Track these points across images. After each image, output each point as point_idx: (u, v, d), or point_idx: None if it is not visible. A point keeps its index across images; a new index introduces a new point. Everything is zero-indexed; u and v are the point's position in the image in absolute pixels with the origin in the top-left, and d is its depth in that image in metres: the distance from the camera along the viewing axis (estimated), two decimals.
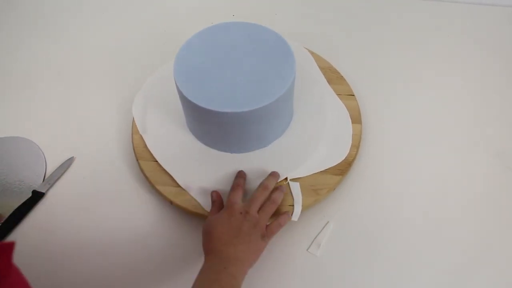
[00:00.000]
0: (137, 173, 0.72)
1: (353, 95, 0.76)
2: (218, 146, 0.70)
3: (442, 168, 0.71)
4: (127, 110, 0.77)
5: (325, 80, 0.78)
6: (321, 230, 0.66)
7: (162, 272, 0.64)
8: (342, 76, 0.79)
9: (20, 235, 0.67)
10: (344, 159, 0.69)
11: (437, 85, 0.81)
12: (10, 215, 0.68)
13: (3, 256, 0.37)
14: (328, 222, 0.66)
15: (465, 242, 0.64)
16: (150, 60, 0.85)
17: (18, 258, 0.65)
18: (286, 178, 0.67)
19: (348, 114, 0.74)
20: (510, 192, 0.69)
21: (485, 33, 0.88)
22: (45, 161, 0.74)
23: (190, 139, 0.72)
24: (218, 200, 0.64)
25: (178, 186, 0.67)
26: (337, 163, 0.68)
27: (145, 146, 0.71)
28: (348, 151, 0.69)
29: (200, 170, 0.68)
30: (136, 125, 0.73)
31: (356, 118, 0.73)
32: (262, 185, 0.63)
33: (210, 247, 0.57)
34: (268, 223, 0.61)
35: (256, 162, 0.69)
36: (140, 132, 0.72)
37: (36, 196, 0.70)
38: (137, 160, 0.70)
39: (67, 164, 0.74)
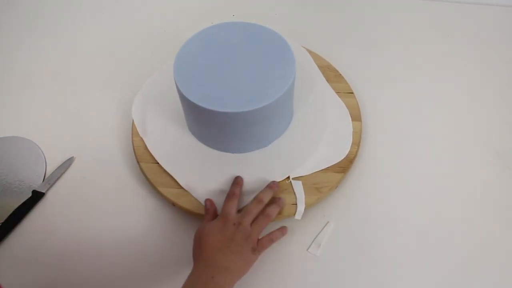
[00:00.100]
0: (137, 172, 0.72)
1: (352, 92, 0.77)
2: (219, 147, 0.70)
3: (441, 168, 0.71)
4: (127, 110, 0.77)
5: (324, 79, 0.78)
6: (321, 230, 0.66)
7: (163, 273, 0.63)
8: (340, 74, 0.79)
9: (20, 235, 0.67)
10: (345, 156, 0.69)
11: (437, 84, 0.81)
12: (10, 215, 0.68)
13: None
14: (328, 222, 0.66)
15: (465, 242, 0.64)
16: (150, 60, 0.85)
17: (18, 258, 0.66)
18: (288, 177, 0.67)
19: (348, 112, 0.74)
20: (510, 192, 0.69)
21: (485, 33, 0.88)
22: (45, 161, 0.74)
23: (191, 140, 0.72)
24: (212, 209, 0.64)
25: (180, 187, 0.67)
26: (338, 161, 0.68)
27: (146, 148, 0.71)
28: (349, 149, 0.70)
29: (202, 171, 0.68)
30: (136, 128, 0.73)
31: (356, 116, 0.73)
32: (257, 198, 0.63)
33: (201, 254, 0.57)
34: (260, 237, 0.61)
35: (257, 162, 0.69)
36: (141, 135, 0.72)
37: (36, 196, 0.70)
38: (138, 162, 0.70)
39: (67, 164, 0.74)
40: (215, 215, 0.63)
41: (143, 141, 0.72)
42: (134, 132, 0.73)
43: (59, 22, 0.95)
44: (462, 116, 0.77)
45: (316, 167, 0.68)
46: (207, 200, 0.65)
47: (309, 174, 0.67)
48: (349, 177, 0.70)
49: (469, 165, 0.71)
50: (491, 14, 0.91)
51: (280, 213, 0.64)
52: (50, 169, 0.74)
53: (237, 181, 0.66)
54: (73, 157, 0.75)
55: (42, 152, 0.75)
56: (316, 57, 0.81)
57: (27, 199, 0.70)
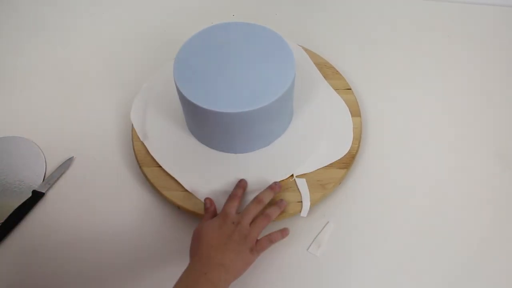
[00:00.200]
0: (137, 172, 0.72)
1: (350, 89, 0.77)
2: (220, 147, 0.70)
3: (441, 168, 0.71)
4: (127, 110, 0.77)
5: (321, 76, 0.78)
6: (321, 230, 0.66)
7: (163, 273, 0.63)
8: (337, 71, 0.79)
9: (20, 235, 0.67)
10: (347, 152, 0.69)
11: (437, 84, 0.81)
12: (10, 215, 0.68)
13: None
14: (328, 222, 0.66)
15: (465, 242, 0.64)
16: (150, 61, 0.85)
17: (18, 258, 0.65)
18: (292, 175, 0.67)
19: (347, 108, 0.74)
20: (510, 192, 0.69)
21: (485, 33, 0.88)
22: (45, 161, 0.74)
23: (192, 141, 0.72)
24: (212, 208, 0.64)
25: (184, 190, 0.67)
26: (341, 156, 0.69)
27: (147, 152, 0.71)
28: (350, 144, 0.70)
29: (205, 173, 0.68)
30: (136, 132, 0.73)
31: (355, 111, 0.74)
32: (257, 199, 0.63)
33: (197, 251, 0.57)
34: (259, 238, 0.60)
35: (260, 162, 0.69)
36: (141, 139, 0.72)
37: (36, 196, 0.70)
38: (140, 167, 0.70)
39: (67, 164, 0.74)
40: (214, 214, 0.63)
41: (144, 145, 0.71)
42: (134, 137, 0.73)
43: (59, 22, 0.95)
44: (462, 116, 0.77)
45: (319, 164, 0.68)
46: (206, 199, 0.65)
47: (312, 171, 0.68)
48: (350, 175, 0.70)
49: (468, 166, 0.71)
50: (491, 14, 0.91)
51: (282, 213, 0.64)
52: (50, 169, 0.74)
53: (240, 184, 0.66)
54: (73, 157, 0.74)
55: (42, 152, 0.75)
56: (312, 55, 0.81)
57: (27, 199, 0.69)
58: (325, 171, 0.68)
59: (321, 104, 0.75)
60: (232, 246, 0.57)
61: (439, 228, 0.66)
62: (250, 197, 0.65)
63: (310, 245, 0.65)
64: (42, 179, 0.72)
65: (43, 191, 0.71)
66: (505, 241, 0.64)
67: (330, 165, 0.68)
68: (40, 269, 0.64)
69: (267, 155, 0.70)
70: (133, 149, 0.72)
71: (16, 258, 0.66)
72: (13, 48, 0.91)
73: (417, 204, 0.68)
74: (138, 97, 0.77)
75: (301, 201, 0.65)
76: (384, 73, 0.83)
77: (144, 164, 0.70)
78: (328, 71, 0.79)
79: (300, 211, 0.65)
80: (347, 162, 0.69)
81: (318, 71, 0.79)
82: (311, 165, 0.68)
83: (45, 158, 0.75)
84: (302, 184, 0.67)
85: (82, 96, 0.82)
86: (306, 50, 0.82)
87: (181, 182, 0.67)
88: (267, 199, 0.63)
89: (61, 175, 0.73)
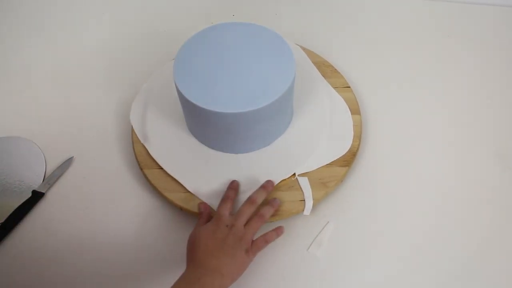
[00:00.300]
0: (137, 172, 0.72)
1: (349, 87, 0.77)
2: (221, 147, 0.70)
3: (441, 167, 0.71)
4: (127, 109, 0.77)
5: (320, 75, 0.78)
6: (321, 230, 0.66)
7: (165, 275, 0.63)
8: (336, 70, 0.79)
9: (20, 235, 0.67)
10: (348, 150, 0.69)
11: (436, 83, 0.81)
12: (10, 215, 0.68)
13: None
14: (328, 222, 0.66)
15: (465, 242, 0.64)
16: (150, 61, 0.85)
17: (18, 258, 0.65)
18: (293, 175, 0.67)
19: (347, 106, 0.74)
20: (510, 192, 0.69)
21: (485, 33, 0.88)
22: (45, 161, 0.74)
23: (192, 142, 0.72)
24: (206, 212, 0.64)
25: (186, 191, 0.67)
26: (342, 154, 0.69)
27: (148, 153, 0.70)
28: (351, 142, 0.70)
29: (206, 173, 0.68)
30: (136, 134, 0.73)
31: (355, 109, 0.74)
32: (250, 199, 0.62)
33: (193, 257, 0.57)
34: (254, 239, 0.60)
35: (261, 161, 0.69)
36: (141, 141, 0.72)
37: (36, 196, 0.70)
38: (141, 169, 0.70)
39: (67, 164, 0.74)
40: (209, 218, 0.63)
41: (144, 147, 0.71)
42: (134, 138, 0.72)
43: (59, 22, 0.95)
44: (461, 116, 0.77)
45: (321, 162, 0.68)
46: (200, 203, 0.65)
47: (314, 170, 0.68)
48: (351, 173, 0.70)
49: (469, 161, 0.71)
50: (491, 14, 0.91)
51: (285, 213, 0.64)
52: (50, 169, 0.74)
53: (232, 185, 0.66)
54: (73, 157, 0.74)
55: (42, 152, 0.75)
56: (310, 54, 0.82)
57: (27, 199, 0.69)
58: (326, 170, 0.68)
59: (321, 102, 0.75)
60: (227, 250, 0.56)
61: (440, 227, 0.66)
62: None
63: (310, 245, 0.65)
64: (42, 179, 0.72)
65: (43, 191, 0.71)
66: (505, 241, 0.64)
67: (331, 163, 0.68)
68: (40, 269, 0.64)
69: (268, 155, 0.70)
70: (134, 151, 0.72)
71: (16, 258, 0.66)
72: (13, 48, 0.91)
73: (417, 203, 0.68)
74: (137, 98, 0.76)
75: (303, 200, 0.65)
76: (383, 72, 0.83)
77: (145, 166, 0.70)
78: (326, 69, 0.80)
79: (303, 210, 0.65)
80: (348, 160, 0.69)
81: (317, 70, 0.79)
82: (312, 163, 0.68)
83: (45, 158, 0.75)
84: (304, 182, 0.67)
85: (82, 96, 0.82)
86: (304, 49, 0.82)
87: (183, 184, 0.67)
88: (260, 199, 0.63)
89: (61, 175, 0.73)
